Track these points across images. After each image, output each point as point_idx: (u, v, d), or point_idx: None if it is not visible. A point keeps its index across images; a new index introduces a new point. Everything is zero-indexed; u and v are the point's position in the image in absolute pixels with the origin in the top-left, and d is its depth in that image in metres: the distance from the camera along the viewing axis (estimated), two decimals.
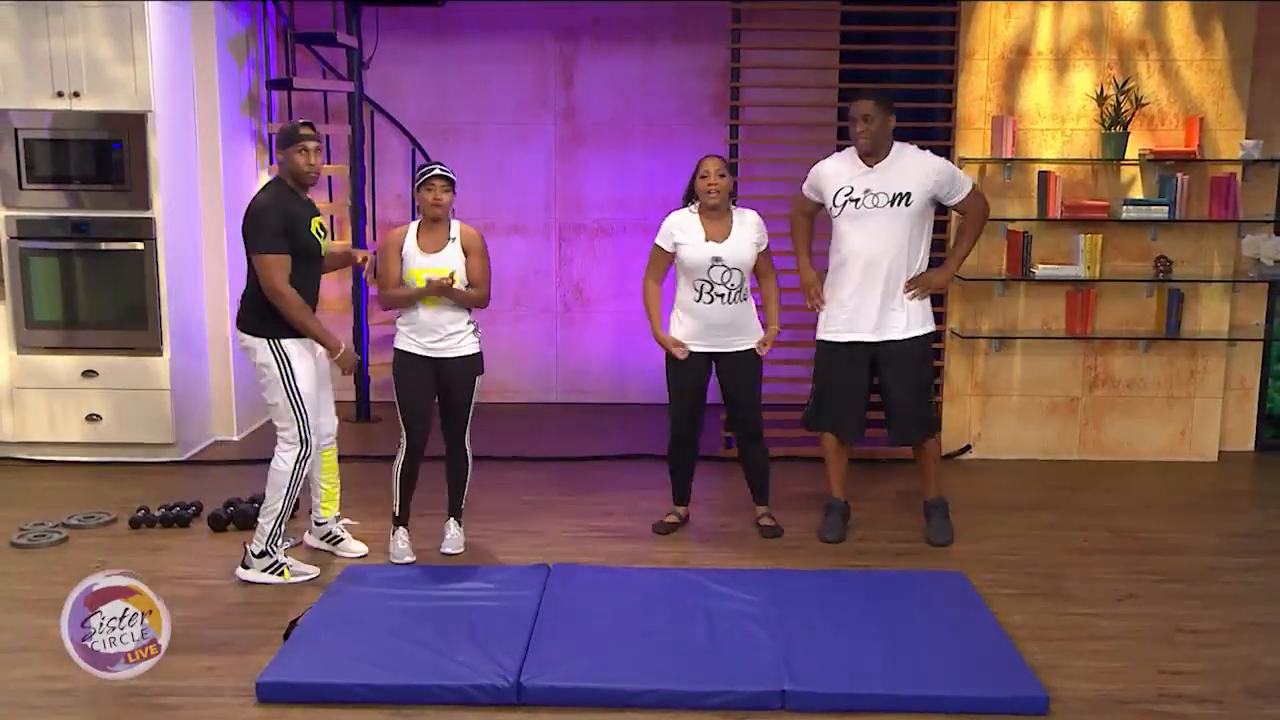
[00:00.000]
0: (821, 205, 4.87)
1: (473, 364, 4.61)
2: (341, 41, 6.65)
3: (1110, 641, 3.94)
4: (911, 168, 4.67)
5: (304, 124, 4.33)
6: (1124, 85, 5.89)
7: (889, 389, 4.79)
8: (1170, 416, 6.25)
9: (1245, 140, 5.94)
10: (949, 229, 5.68)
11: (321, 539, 4.75)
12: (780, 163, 6.56)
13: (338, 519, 4.78)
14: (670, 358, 4.79)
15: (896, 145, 4.71)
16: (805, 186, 4.94)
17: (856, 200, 4.66)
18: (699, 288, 4.65)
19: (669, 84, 7.22)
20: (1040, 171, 5.94)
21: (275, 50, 7.02)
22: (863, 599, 4.16)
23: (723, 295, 4.65)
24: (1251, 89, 6.01)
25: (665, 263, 4.79)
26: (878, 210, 4.64)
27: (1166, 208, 5.93)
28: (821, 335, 4.88)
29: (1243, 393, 6.44)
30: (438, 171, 4.47)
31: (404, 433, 4.62)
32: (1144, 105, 5.90)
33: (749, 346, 4.76)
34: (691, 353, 4.74)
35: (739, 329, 4.73)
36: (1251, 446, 6.50)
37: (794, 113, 6.46)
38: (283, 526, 4.40)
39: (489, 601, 4.09)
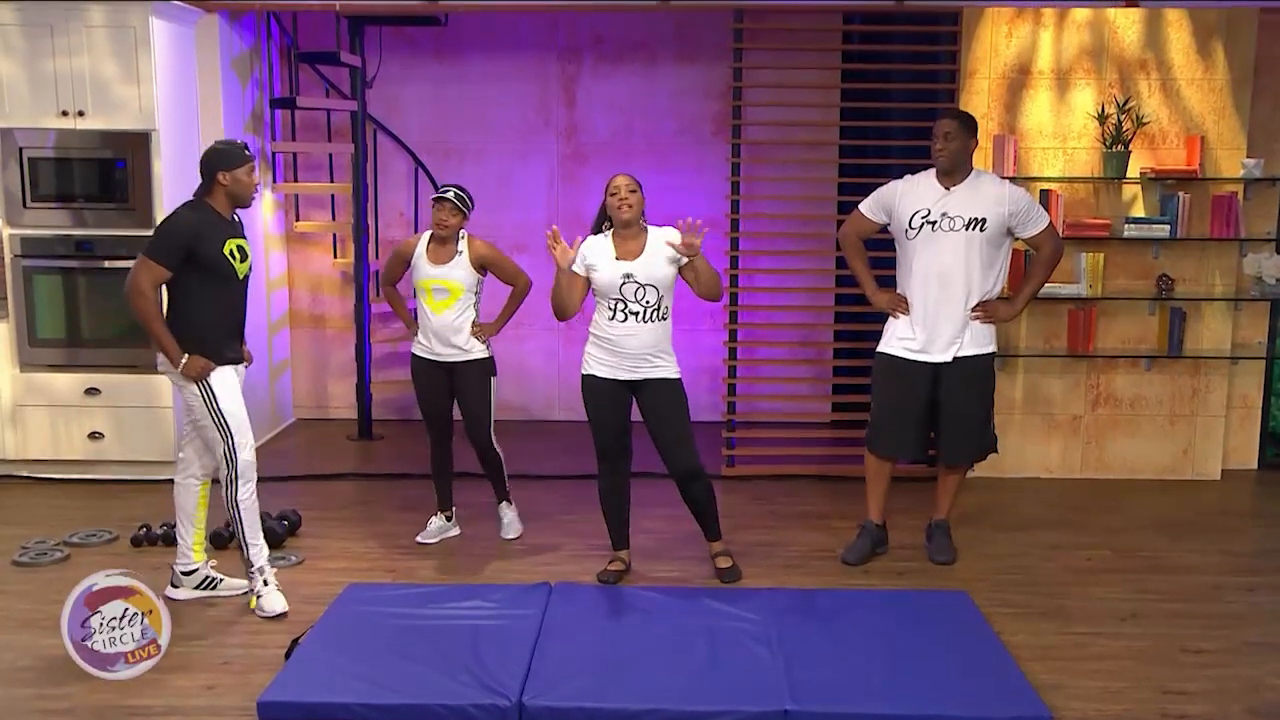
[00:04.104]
0: (882, 226, 4.79)
1: (480, 367, 4.93)
2: (345, 61, 6.69)
3: (1113, 661, 3.93)
4: (988, 193, 4.60)
5: (243, 143, 4.21)
6: (1125, 104, 5.90)
7: (952, 406, 4.69)
8: (1173, 435, 6.25)
9: (1246, 159, 5.95)
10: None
11: (196, 587, 4.43)
12: (782, 181, 6.59)
13: (207, 561, 4.50)
14: (585, 387, 4.49)
15: (975, 170, 4.67)
16: (869, 208, 4.81)
17: (934, 223, 4.59)
18: (612, 306, 4.39)
19: (671, 103, 7.23)
20: (1042, 190, 5.94)
21: (279, 69, 7.06)
22: (865, 618, 4.15)
23: (637, 313, 4.37)
24: (1252, 108, 6.02)
25: (576, 285, 4.47)
26: (953, 233, 4.57)
27: (1168, 226, 5.94)
28: (887, 350, 4.76)
29: (1245, 411, 6.44)
30: (450, 195, 4.79)
31: (427, 430, 5.07)
32: (1145, 124, 5.91)
33: (669, 375, 4.44)
34: (608, 380, 4.44)
35: (657, 354, 4.41)
36: (1254, 465, 6.49)
37: (796, 132, 6.48)
38: (248, 553, 4.32)
39: (490, 620, 4.08)
